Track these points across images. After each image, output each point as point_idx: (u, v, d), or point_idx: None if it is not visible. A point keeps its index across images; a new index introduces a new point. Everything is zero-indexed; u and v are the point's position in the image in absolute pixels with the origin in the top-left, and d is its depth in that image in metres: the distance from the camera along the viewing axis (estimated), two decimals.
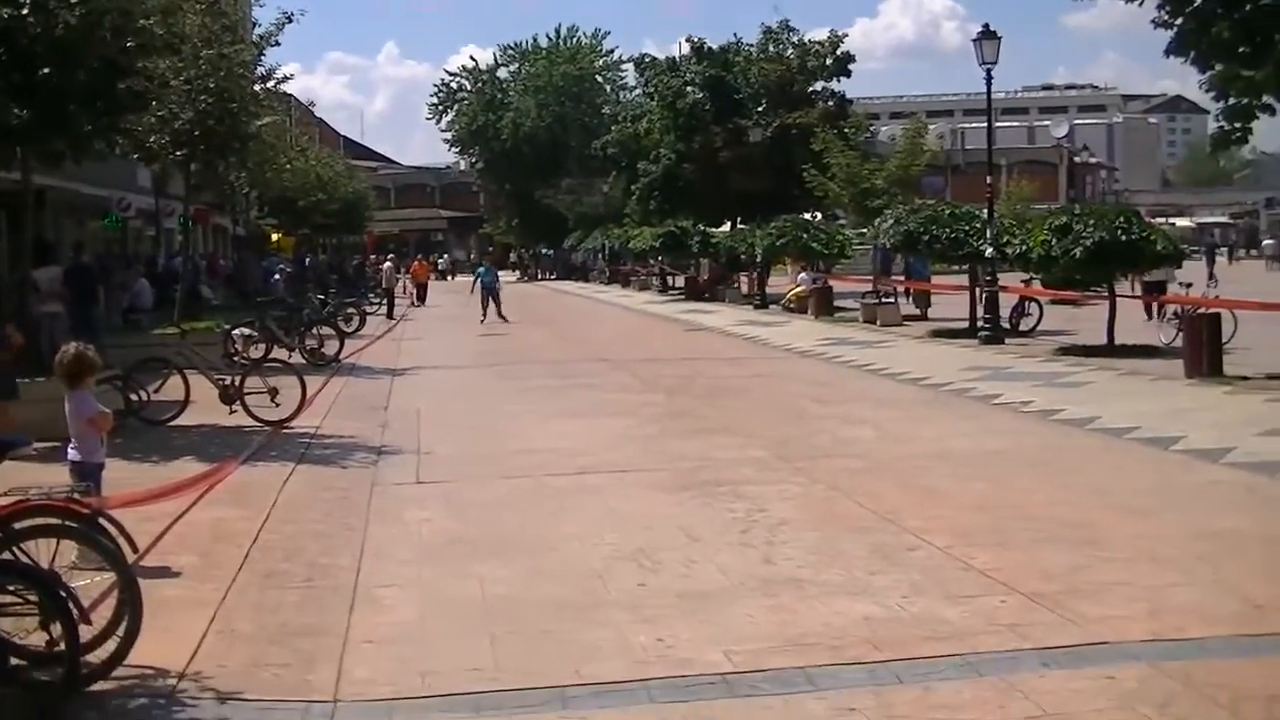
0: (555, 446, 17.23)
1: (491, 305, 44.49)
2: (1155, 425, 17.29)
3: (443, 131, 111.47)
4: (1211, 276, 48.19)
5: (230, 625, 9.29)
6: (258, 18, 36.90)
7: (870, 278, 45.09)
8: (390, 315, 49.94)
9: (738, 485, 14.00)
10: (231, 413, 19.66)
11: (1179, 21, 21.81)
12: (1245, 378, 21.74)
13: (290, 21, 30.30)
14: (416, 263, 71.18)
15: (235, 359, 23.26)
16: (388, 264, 62.24)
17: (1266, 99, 21.53)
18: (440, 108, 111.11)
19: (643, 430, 18.78)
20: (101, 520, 8.51)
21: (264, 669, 8.38)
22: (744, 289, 55.81)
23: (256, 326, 26.76)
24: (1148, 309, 31.61)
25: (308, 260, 67.80)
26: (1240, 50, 20.76)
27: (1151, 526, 11.63)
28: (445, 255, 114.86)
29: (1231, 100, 21.87)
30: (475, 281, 47.46)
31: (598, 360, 29.63)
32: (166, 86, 23.83)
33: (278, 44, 31.18)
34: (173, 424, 19.49)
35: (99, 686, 7.92)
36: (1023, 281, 35.02)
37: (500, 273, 54.26)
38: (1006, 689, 7.56)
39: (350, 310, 41.19)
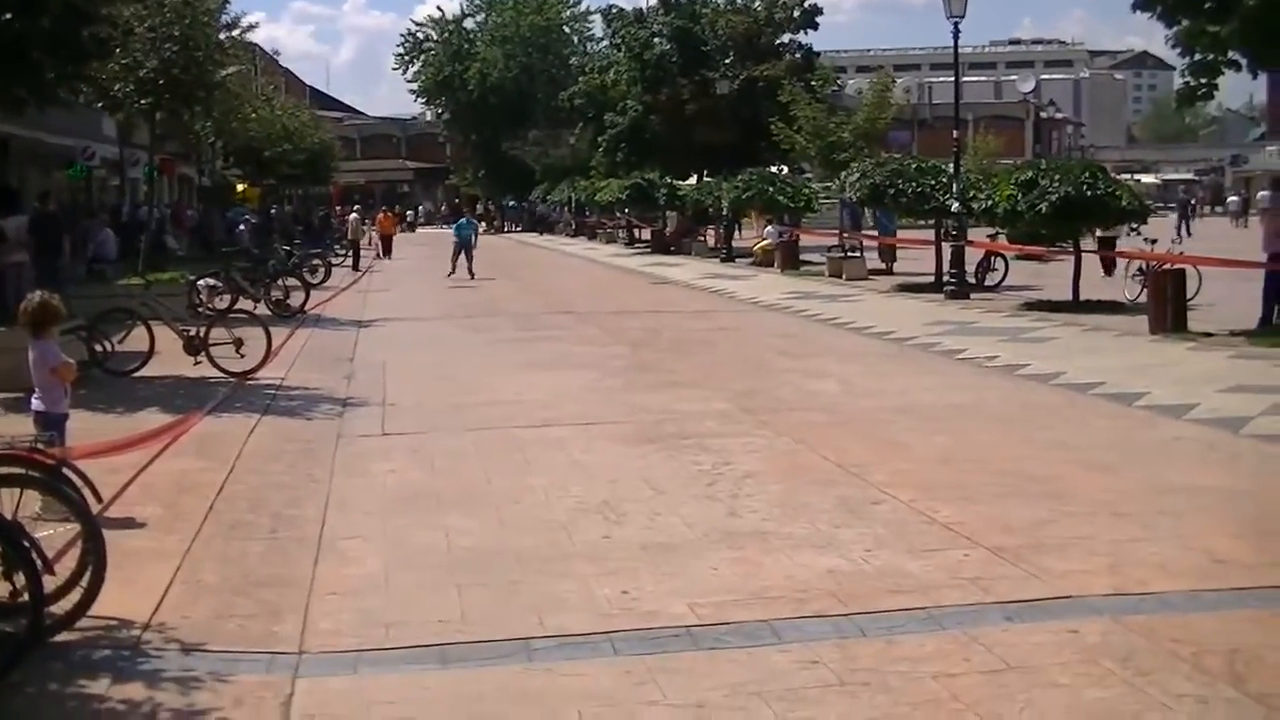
0: (521, 399, 17.23)
1: (462, 259, 42.47)
2: (1119, 381, 17.37)
3: (409, 82, 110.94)
4: (1187, 232, 48.36)
5: (195, 576, 9.28)
6: None
7: (836, 231, 45.11)
8: (356, 267, 49.38)
9: (703, 438, 14.01)
10: (196, 364, 19.58)
11: None
12: (1209, 334, 21.85)
13: None
14: (382, 214, 68.40)
15: (200, 310, 23.20)
16: (353, 215, 60.70)
17: (1232, 55, 21.57)
18: (406, 58, 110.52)
19: (608, 383, 18.80)
20: (65, 470, 8.48)
21: (229, 620, 8.37)
22: (710, 242, 55.84)
23: (221, 277, 26.65)
24: (1105, 266, 31.69)
25: (273, 211, 67.45)
26: (1206, 6, 20.80)
27: (1114, 481, 11.70)
28: (420, 206, 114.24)
29: (1197, 56, 21.91)
30: (455, 228, 45.41)
31: (564, 313, 29.63)
32: (131, 34, 23.72)
33: None
34: (137, 375, 19.41)
35: (63, 637, 7.89)
36: (988, 236, 35.04)
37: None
38: (969, 642, 7.60)
39: (315, 262, 41.00)
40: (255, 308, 26.04)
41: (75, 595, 8.01)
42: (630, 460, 13.09)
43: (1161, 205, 73.72)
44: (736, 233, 54.06)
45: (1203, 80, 22.35)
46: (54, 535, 8.18)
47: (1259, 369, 18.23)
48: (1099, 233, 30.25)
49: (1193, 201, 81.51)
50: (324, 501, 11.52)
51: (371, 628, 8.13)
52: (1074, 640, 7.62)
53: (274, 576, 9.27)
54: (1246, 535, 9.87)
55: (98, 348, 19.47)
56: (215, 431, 14.91)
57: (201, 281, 25.10)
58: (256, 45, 53.56)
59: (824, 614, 8.15)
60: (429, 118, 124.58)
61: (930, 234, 36.10)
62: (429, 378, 19.87)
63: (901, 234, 42.21)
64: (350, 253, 52.08)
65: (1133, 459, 12.79)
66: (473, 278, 40.96)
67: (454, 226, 46.52)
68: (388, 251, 58.67)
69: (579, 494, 11.55)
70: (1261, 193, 35.69)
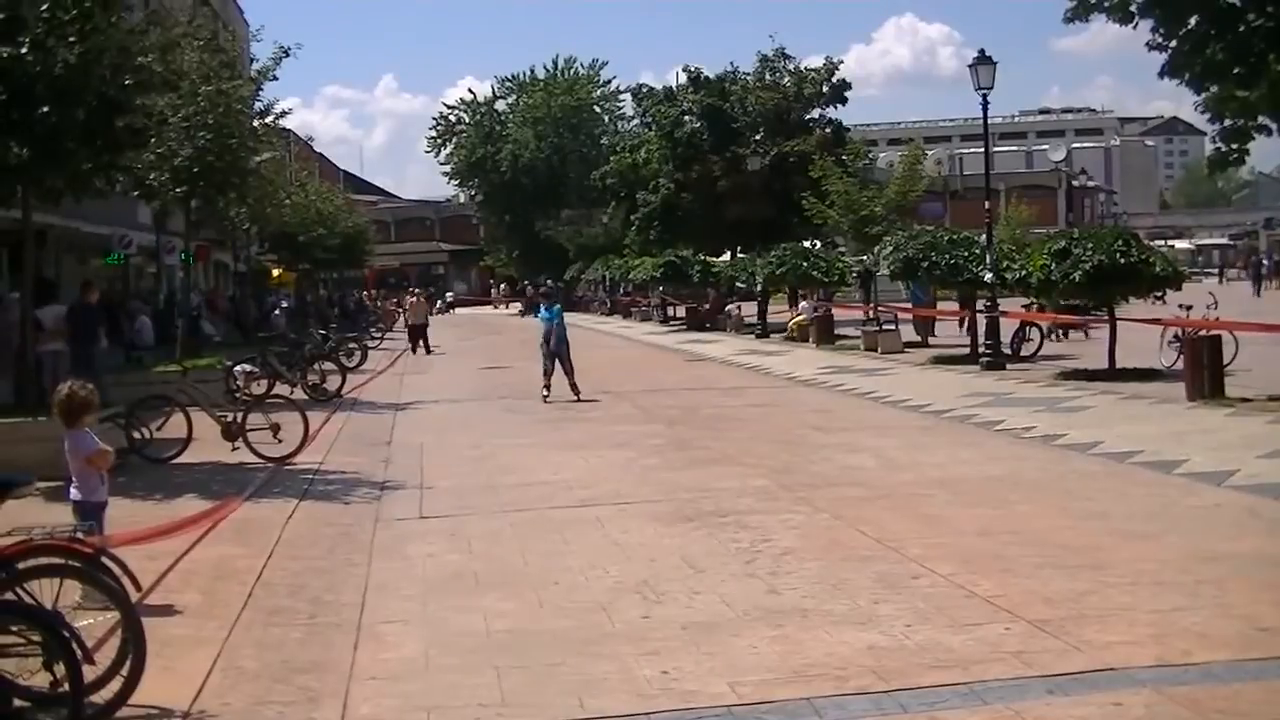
0: (558, 479, 17.25)
1: (558, 367, 28.39)
2: (1157, 449, 17.30)
3: (441, 164, 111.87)
4: (1257, 293, 47.86)
5: (235, 663, 9.28)
6: (255, 53, 37.11)
7: (868, 305, 45.13)
8: (426, 350, 47.90)
9: (741, 515, 14.00)
10: (234, 449, 19.69)
11: (1173, 44, 21.88)
12: (1247, 399, 21.75)
13: (288, 55, 30.42)
14: (414, 299, 58.54)
15: (237, 395, 23.26)
16: (412, 299, 56.57)
17: (1262, 119, 21.58)
18: (439, 140, 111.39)
19: (645, 461, 18.79)
20: (104, 559, 8.51)
21: (268, 706, 8.37)
22: (742, 317, 55.80)
23: (258, 362, 26.78)
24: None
25: (308, 296, 67.76)
26: (1235, 71, 20.84)
27: (1155, 550, 11.63)
28: (450, 292, 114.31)
29: (1227, 121, 21.92)
30: (542, 328, 29.26)
31: (599, 392, 29.61)
32: (165, 123, 23.89)
33: (275, 78, 31.29)
34: (175, 461, 19.49)
35: None
36: (1023, 307, 35.02)
37: (500, 305, 52.04)
38: (1012, 716, 7.56)
39: (352, 345, 41.16)
40: (292, 392, 26.18)
41: (115, 684, 8.01)
42: (668, 539, 13.07)
43: (1195, 270, 73.43)
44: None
45: (1234, 145, 22.35)
46: (94, 624, 8.21)
47: None
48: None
49: (1265, 262, 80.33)
50: (362, 585, 11.53)
51: (412, 712, 8.11)
52: (1118, 713, 7.56)
53: (313, 662, 9.27)
54: None
55: (135, 435, 19.59)
56: (253, 517, 14.94)
57: (238, 367, 25.16)
58: (290, 131, 53.94)
59: (865, 691, 8.11)
60: (462, 199, 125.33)
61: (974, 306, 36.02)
62: (466, 460, 19.89)
63: (942, 306, 42.22)
64: (418, 338, 48.87)
65: (1173, 527, 12.72)
66: (578, 397, 27.77)
67: (541, 317, 30.08)
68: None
69: (617, 574, 11.53)
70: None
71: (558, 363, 28.28)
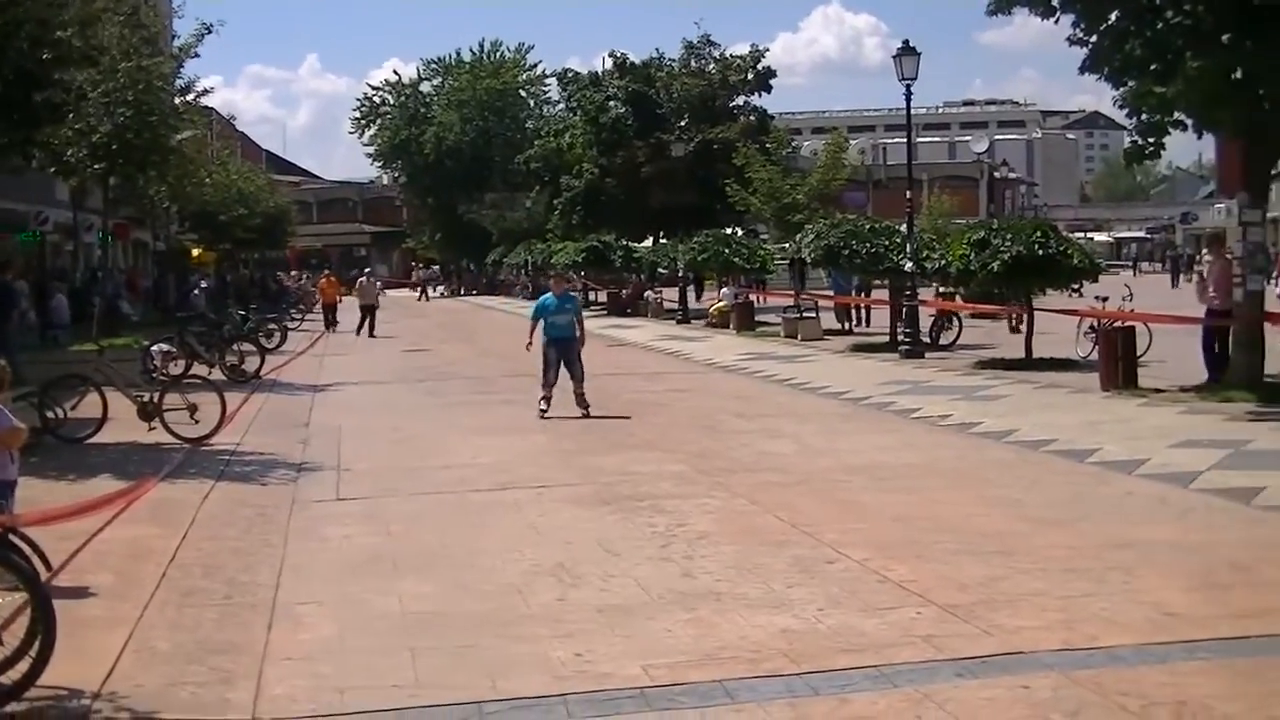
0: (477, 462, 17.25)
1: (565, 371, 22.35)
2: (1071, 437, 17.49)
3: (365, 146, 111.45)
4: (1174, 285, 48.46)
5: (147, 644, 9.23)
6: (177, 29, 36.77)
7: (792, 292, 45.32)
8: (372, 332, 47.08)
9: (658, 500, 14.05)
10: (150, 429, 19.53)
11: (1093, 39, 22.06)
12: (1159, 390, 22.01)
13: (210, 32, 30.27)
14: (324, 279, 58.53)
15: (154, 376, 23.12)
16: (363, 279, 52.76)
17: (1178, 115, 21.79)
18: (363, 122, 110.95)
19: (564, 445, 18.82)
20: (13, 538, 8.45)
21: (181, 687, 8.33)
22: (663, 303, 55.83)
23: (176, 342, 26.59)
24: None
25: (228, 276, 67.26)
26: (1152, 67, 21.01)
27: (1066, 537, 11.77)
28: (433, 267, 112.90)
29: (1145, 116, 22.11)
30: (536, 319, 22.98)
31: (520, 375, 29.57)
32: (84, 99, 23.72)
33: (197, 56, 31.16)
34: (90, 441, 19.36)
35: (11, 708, 7.83)
36: (941, 295, 35.29)
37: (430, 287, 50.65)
38: (921, 699, 7.63)
39: (272, 326, 40.91)
40: (210, 373, 26.03)
41: (24, 665, 7.92)
42: (585, 522, 13.10)
43: (1114, 263, 74.13)
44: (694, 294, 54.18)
45: (1150, 140, 22.54)
46: (2, 605, 8.13)
47: (1208, 423, 18.37)
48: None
49: (1184, 255, 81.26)
50: (278, 567, 11.49)
51: (326, 693, 8.10)
52: (1025, 696, 7.65)
53: (227, 643, 9.23)
54: (1196, 588, 9.92)
55: (50, 414, 19.41)
56: (169, 497, 14.83)
57: (156, 347, 25.02)
58: (212, 109, 53.55)
59: (777, 673, 8.17)
60: (385, 181, 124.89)
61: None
62: (384, 442, 19.84)
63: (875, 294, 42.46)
64: (364, 319, 48.10)
65: (1084, 515, 12.87)
66: (586, 411, 21.92)
67: (541, 306, 23.27)
68: (332, 323, 50.92)
69: (534, 557, 11.54)
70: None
71: (564, 368, 22.18)
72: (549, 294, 23.27)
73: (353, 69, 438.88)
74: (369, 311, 48.08)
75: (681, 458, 16.99)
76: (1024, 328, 28.27)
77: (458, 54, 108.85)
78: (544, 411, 21.82)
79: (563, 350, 22.15)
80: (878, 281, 40.77)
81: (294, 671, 8.56)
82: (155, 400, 19.87)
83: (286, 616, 9.87)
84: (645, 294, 58.52)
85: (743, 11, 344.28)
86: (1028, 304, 28.73)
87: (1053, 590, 9.89)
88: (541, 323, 22.52)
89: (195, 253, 67.32)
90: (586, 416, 21.52)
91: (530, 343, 22.51)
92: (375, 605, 10.13)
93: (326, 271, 69.55)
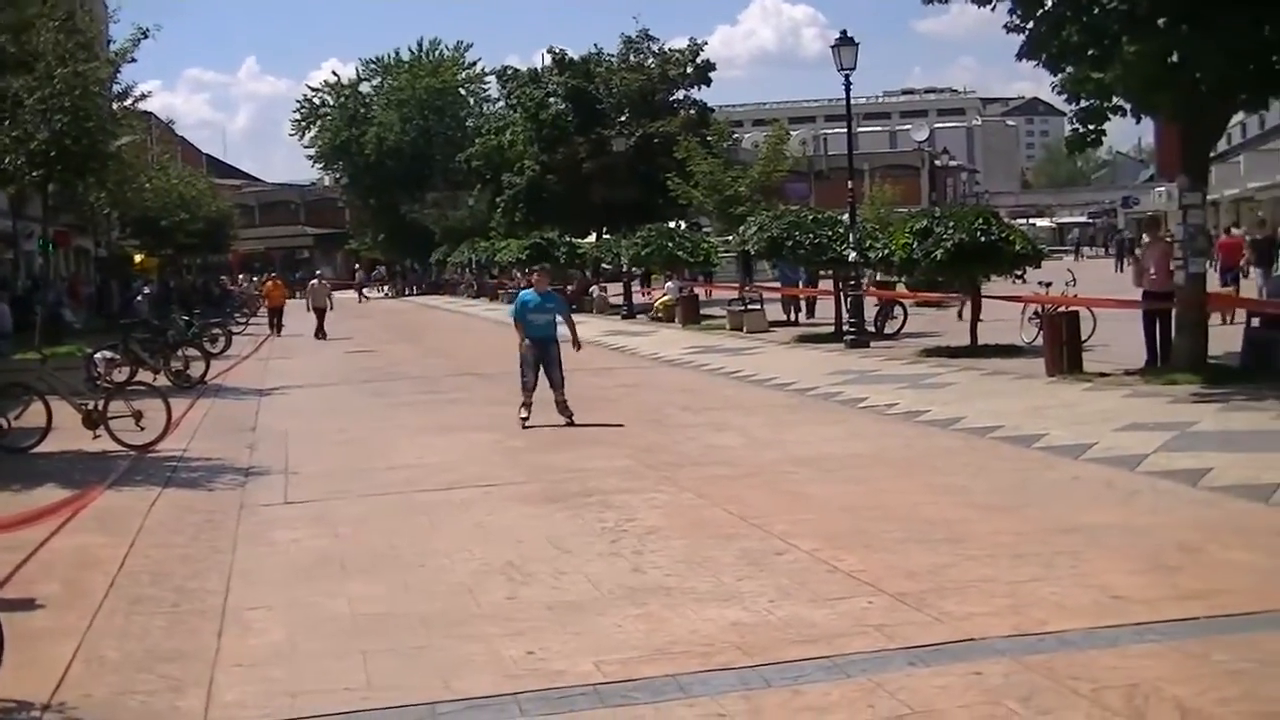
0: (425, 462, 17.21)
1: (544, 377, 20.50)
2: (1017, 423, 17.59)
3: (306, 148, 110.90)
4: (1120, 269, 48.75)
5: (96, 653, 9.16)
6: (113, 34, 36.48)
7: (737, 285, 45.41)
8: (322, 333, 46.57)
9: (606, 495, 14.05)
10: (95, 438, 19.39)
11: (1030, 25, 22.16)
12: (1104, 374, 22.15)
13: (146, 37, 30.01)
14: (269, 282, 56.91)
15: (98, 383, 22.95)
16: (315, 281, 52.22)
17: (1117, 100, 21.93)
18: (303, 123, 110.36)
19: (511, 443, 18.79)
20: None
21: (131, 696, 8.27)
22: (607, 299, 55.79)
23: (120, 349, 26.41)
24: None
25: (171, 282, 66.91)
26: (1090, 53, 21.13)
27: (1014, 523, 11.83)
28: (379, 268, 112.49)
29: (1084, 102, 22.25)
30: (517, 319, 21.01)
31: (466, 374, 29.59)
32: (20, 105, 23.52)
33: (134, 60, 30.87)
34: (34, 450, 19.19)
35: None
36: (885, 284, 35.43)
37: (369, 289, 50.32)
38: (873, 688, 7.65)
39: (216, 331, 40.69)
40: (155, 379, 25.85)
41: None
42: (534, 520, 13.08)
43: (1056, 248, 74.51)
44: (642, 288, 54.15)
45: (1090, 126, 22.69)
46: None
47: (1152, 406, 18.50)
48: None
49: (1128, 239, 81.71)
50: (227, 573, 11.42)
51: (277, 698, 8.06)
52: (977, 682, 7.68)
53: (177, 650, 9.17)
54: (1143, 571, 9.98)
55: None
56: (116, 506, 14.75)
57: (99, 354, 24.82)
58: (151, 114, 53.21)
59: (729, 666, 8.17)
60: (327, 183, 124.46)
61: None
62: (331, 444, 19.78)
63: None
64: (319, 321, 47.66)
65: (1032, 500, 12.94)
66: (570, 419, 20.10)
67: (520, 303, 21.32)
68: (278, 326, 50.09)
69: (484, 556, 11.52)
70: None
71: (543, 371, 20.42)
72: (529, 290, 21.43)
73: (292, 71, 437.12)
74: (321, 314, 47.68)
75: (629, 453, 16.99)
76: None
77: (396, 53, 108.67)
78: (525, 420, 19.93)
79: (541, 351, 20.30)
80: (824, 272, 40.87)
81: (245, 677, 8.51)
82: (100, 408, 19.71)
83: (236, 622, 9.82)
84: (591, 290, 58.51)
85: (681, 5, 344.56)
86: (974, 291, 28.86)
87: (1002, 576, 9.93)
88: (523, 315, 20.66)
89: (138, 259, 66.88)
90: (570, 425, 19.79)
91: (522, 343, 20.49)
92: (325, 608, 10.08)
93: (272, 275, 69.09)
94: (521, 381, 20.30)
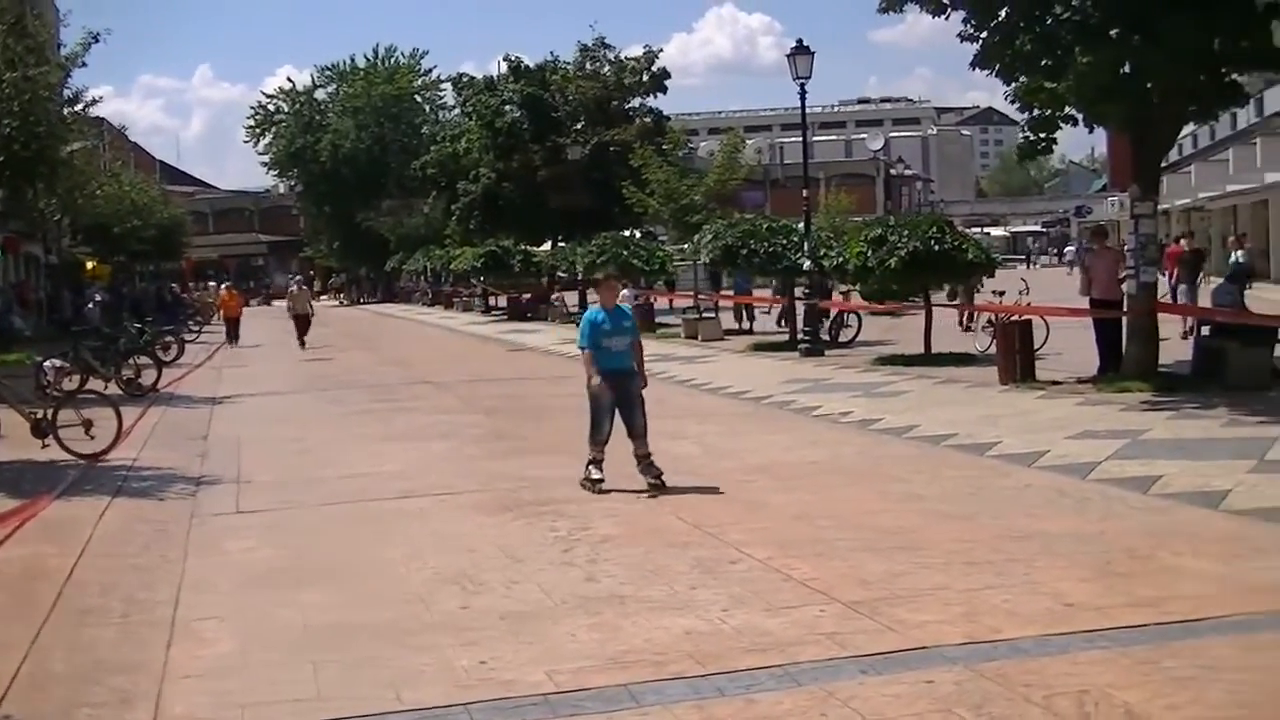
0: (378, 471, 17.14)
1: (623, 419, 15.23)
2: (971, 432, 17.67)
3: (261, 154, 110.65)
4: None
5: (43, 665, 9.07)
6: (64, 38, 36.17)
7: (692, 293, 45.46)
8: (302, 342, 44.96)
9: (560, 504, 14.02)
10: (45, 446, 19.22)
11: (984, 35, 22.28)
12: (1057, 382, 22.30)
13: (97, 41, 29.76)
14: (225, 291, 56.84)
15: (48, 391, 22.79)
16: (292, 288, 50.22)
17: (1069, 110, 22.07)
18: (257, 130, 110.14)
19: (466, 451, 18.76)
20: None
21: (79, 709, 8.18)
22: (565, 308, 55.82)
23: (70, 357, 26.23)
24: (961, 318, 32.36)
25: (124, 289, 66.56)
26: (1043, 63, 21.27)
27: (967, 531, 11.86)
28: (337, 275, 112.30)
29: (1036, 111, 22.38)
30: (589, 347, 15.17)
31: (420, 383, 29.53)
32: None
33: (84, 65, 30.60)
34: None
35: None
36: (840, 294, 35.50)
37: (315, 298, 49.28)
38: (825, 697, 7.64)
39: (169, 339, 40.48)
40: (106, 387, 25.67)
41: None
42: (488, 529, 13.03)
43: (1010, 257, 74.86)
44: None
45: (1042, 135, 22.84)
46: None
47: (1104, 414, 18.63)
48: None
49: (1083, 248, 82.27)
50: (177, 583, 11.32)
51: (227, 709, 7.99)
52: (929, 690, 7.68)
53: (126, 662, 9.09)
54: (1094, 578, 10.01)
55: None
56: (64, 515, 14.65)
57: (49, 362, 24.66)
58: (103, 120, 52.87)
59: (682, 675, 8.15)
60: (282, 190, 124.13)
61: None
62: (284, 453, 19.69)
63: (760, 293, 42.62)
64: (303, 330, 45.53)
65: (985, 508, 12.97)
66: (660, 480, 14.85)
67: (590, 326, 15.28)
68: (234, 336, 49.60)
69: (437, 565, 11.47)
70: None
71: (619, 415, 15.15)
72: (597, 308, 15.63)
73: (246, 77, 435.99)
74: (303, 321, 45.82)
75: (583, 461, 16.91)
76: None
77: (352, 60, 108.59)
78: (599, 482, 14.86)
79: (620, 390, 15.04)
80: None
81: (194, 689, 8.44)
82: (49, 416, 19.56)
83: (186, 633, 9.73)
84: (550, 297, 58.47)
85: (637, 13, 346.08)
86: (926, 300, 28.98)
87: (954, 584, 9.95)
88: (595, 334, 15.14)
89: (89, 265, 66.49)
90: (658, 489, 14.61)
91: (592, 379, 15.05)
92: (277, 618, 10.01)
93: (226, 283, 68.67)
94: (591, 430, 15.15)
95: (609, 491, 14.53)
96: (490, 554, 11.81)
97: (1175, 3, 19.62)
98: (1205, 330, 23.43)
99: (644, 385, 15.46)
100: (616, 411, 15.05)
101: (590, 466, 15.03)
